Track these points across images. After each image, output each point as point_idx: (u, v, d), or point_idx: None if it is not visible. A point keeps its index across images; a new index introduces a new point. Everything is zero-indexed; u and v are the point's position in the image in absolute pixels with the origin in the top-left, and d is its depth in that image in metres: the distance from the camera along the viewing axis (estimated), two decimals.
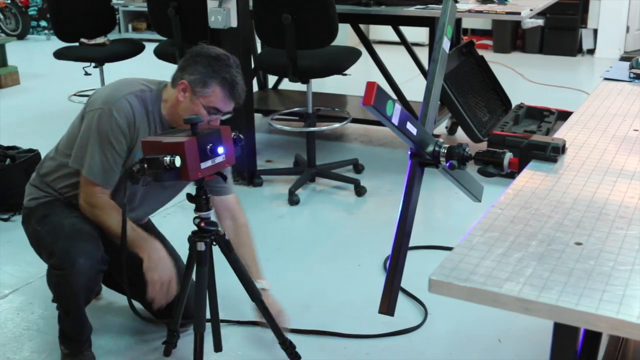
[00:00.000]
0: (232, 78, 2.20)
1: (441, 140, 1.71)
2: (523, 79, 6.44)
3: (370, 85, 1.38)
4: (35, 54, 8.14)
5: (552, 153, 1.56)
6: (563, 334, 1.19)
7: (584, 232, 1.22)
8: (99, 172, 2.23)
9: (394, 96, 4.48)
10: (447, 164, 1.66)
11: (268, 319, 2.33)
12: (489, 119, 4.35)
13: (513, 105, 4.61)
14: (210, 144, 2.02)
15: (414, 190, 1.70)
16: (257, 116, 4.77)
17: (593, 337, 1.56)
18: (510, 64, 6.95)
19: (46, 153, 2.50)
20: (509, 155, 1.65)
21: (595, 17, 7.31)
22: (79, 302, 2.26)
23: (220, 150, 2.05)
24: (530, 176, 1.49)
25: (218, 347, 2.32)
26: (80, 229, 2.26)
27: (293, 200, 3.71)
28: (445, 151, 1.67)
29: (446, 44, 1.79)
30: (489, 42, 7.70)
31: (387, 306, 1.66)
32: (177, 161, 1.93)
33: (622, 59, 2.68)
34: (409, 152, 1.71)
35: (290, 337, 2.40)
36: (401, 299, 2.78)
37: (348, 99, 5.04)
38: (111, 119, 2.19)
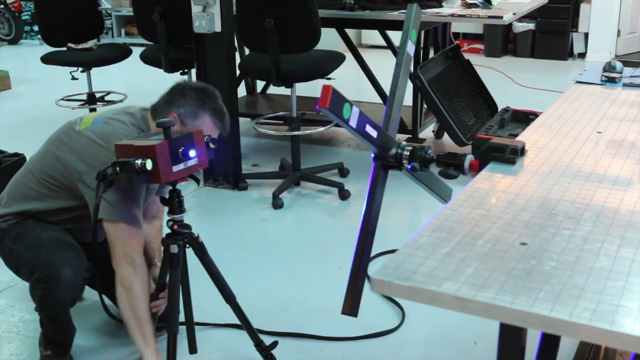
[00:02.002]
0: (220, 109, 2.27)
1: (404, 142, 1.73)
2: (513, 82, 6.46)
3: (326, 89, 1.40)
4: (28, 58, 8.16)
5: (510, 155, 1.58)
6: (508, 333, 1.21)
7: (531, 233, 1.24)
8: (137, 216, 2.20)
9: (378, 100, 4.51)
10: (409, 167, 1.68)
11: (242, 320, 2.35)
12: (475, 123, 4.37)
13: (499, 109, 4.62)
14: (182, 148, 2.04)
15: (377, 193, 1.71)
16: (246, 120, 4.80)
17: (552, 339, 1.58)
18: (501, 68, 6.98)
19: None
20: (469, 158, 1.67)
21: (586, 21, 7.33)
22: (65, 310, 2.28)
23: (192, 153, 2.07)
24: (487, 178, 1.51)
25: (193, 349, 2.33)
26: (60, 240, 2.26)
27: (277, 203, 3.73)
28: (408, 154, 1.69)
29: (410, 48, 1.81)
30: (481, 47, 7.73)
31: (350, 307, 1.68)
32: (149, 164, 1.96)
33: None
34: (372, 155, 1.73)
35: (267, 339, 2.42)
36: (379, 301, 2.80)
37: None
38: None
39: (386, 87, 4.51)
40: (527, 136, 1.79)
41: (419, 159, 1.68)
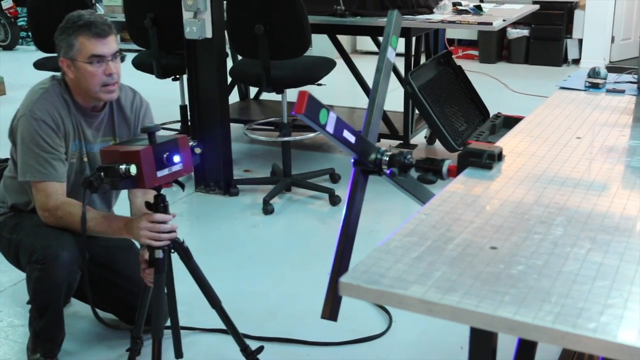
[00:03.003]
0: (85, 22, 2.22)
1: (384, 148, 1.75)
2: (507, 89, 6.48)
3: (302, 94, 1.42)
4: (24, 64, 8.14)
5: (487, 160, 1.59)
6: (478, 335, 1.21)
7: (501, 237, 1.25)
8: (43, 170, 2.24)
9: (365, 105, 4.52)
10: (388, 172, 1.70)
11: (228, 325, 2.35)
12: (466, 129, 4.38)
13: (491, 115, 4.64)
14: (167, 153, 2.06)
15: (357, 197, 1.73)
16: (239, 126, 4.81)
17: (529, 341, 1.59)
18: (496, 74, 7.00)
19: None
20: (448, 163, 1.69)
21: (580, 27, 7.35)
22: (59, 297, 2.27)
23: (177, 159, 2.09)
24: (463, 183, 1.52)
25: (179, 354, 2.34)
26: (58, 229, 2.29)
27: (267, 209, 3.74)
28: (387, 159, 1.71)
29: (391, 54, 1.83)
30: (475, 53, 7.74)
31: (330, 311, 1.69)
32: (133, 169, 1.98)
33: (608, 69, 2.69)
34: (352, 160, 1.75)
35: (254, 344, 2.43)
36: (366, 306, 2.80)
37: None
38: (35, 120, 2.24)
39: None
40: (507, 141, 1.80)
41: (398, 164, 1.69)
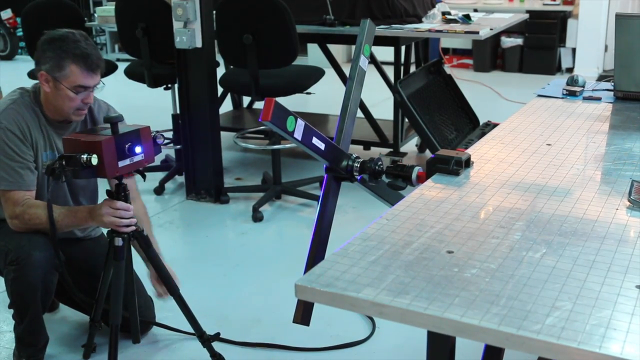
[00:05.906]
0: (82, 52, 2.24)
1: (355, 155, 1.78)
2: (500, 97, 6.51)
3: (269, 102, 1.45)
4: (22, 74, 8.16)
5: (455, 166, 1.61)
6: (436, 337, 1.24)
7: (459, 241, 1.27)
8: (10, 179, 2.27)
9: (359, 114, 4.54)
10: (359, 178, 1.73)
11: (185, 311, 2.39)
12: (456, 137, 4.40)
13: (481, 123, 4.66)
14: (129, 144, 2.10)
15: (329, 204, 1.76)
16: (231, 135, 4.84)
17: (495, 347, 1.60)
18: (490, 82, 7.03)
19: None
20: (417, 169, 1.71)
21: (574, 36, 7.39)
22: (36, 298, 2.29)
23: (138, 149, 2.13)
24: (428, 188, 1.55)
25: (136, 339, 2.36)
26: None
27: (257, 217, 3.76)
28: (359, 166, 1.74)
29: (363, 62, 1.86)
30: (470, 62, 7.78)
31: (302, 316, 1.72)
32: (94, 159, 2.01)
33: (600, 77, 2.73)
34: (324, 167, 1.77)
35: (237, 350, 2.45)
36: (350, 312, 2.82)
37: (318, 118, 5.11)
38: (2, 130, 2.25)
39: (368, 102, 4.56)
40: (478, 148, 1.83)
41: (369, 170, 1.72)
